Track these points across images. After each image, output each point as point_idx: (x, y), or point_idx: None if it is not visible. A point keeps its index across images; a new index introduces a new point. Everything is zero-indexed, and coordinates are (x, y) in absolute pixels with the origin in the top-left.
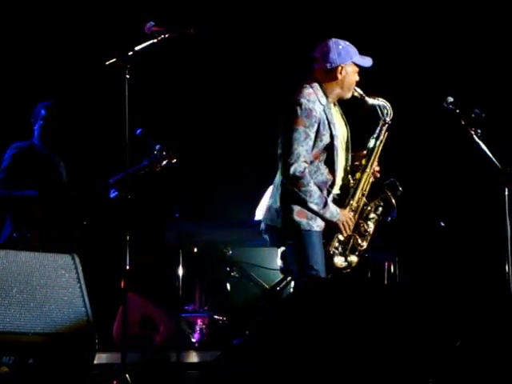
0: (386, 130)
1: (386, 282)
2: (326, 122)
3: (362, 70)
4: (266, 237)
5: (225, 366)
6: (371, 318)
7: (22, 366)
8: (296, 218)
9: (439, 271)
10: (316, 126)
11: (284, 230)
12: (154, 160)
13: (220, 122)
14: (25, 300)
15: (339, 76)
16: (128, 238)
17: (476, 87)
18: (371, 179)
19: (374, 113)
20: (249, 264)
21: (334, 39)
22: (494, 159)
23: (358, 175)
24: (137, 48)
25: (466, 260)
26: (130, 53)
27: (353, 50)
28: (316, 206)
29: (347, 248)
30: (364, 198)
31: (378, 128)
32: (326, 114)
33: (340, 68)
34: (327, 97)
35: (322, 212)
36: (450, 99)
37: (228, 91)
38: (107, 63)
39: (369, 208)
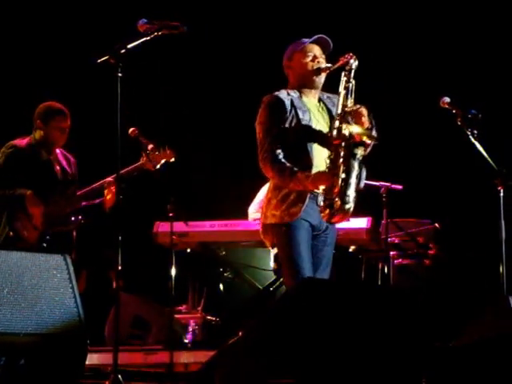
0: (349, 79)
1: (379, 282)
2: (294, 109)
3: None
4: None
5: (218, 366)
6: (365, 319)
7: (13, 366)
8: (272, 212)
9: (434, 272)
10: (279, 112)
11: (265, 227)
12: (150, 160)
13: (213, 120)
14: (16, 300)
15: (291, 72)
16: (120, 238)
17: (473, 88)
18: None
19: None
20: (242, 264)
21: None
22: (489, 160)
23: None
24: (129, 45)
25: (461, 260)
26: (123, 50)
27: (295, 43)
28: (289, 172)
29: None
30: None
31: (342, 79)
32: (293, 102)
33: (287, 65)
34: (300, 92)
35: (299, 174)
36: (447, 99)
37: (225, 88)
38: (99, 61)
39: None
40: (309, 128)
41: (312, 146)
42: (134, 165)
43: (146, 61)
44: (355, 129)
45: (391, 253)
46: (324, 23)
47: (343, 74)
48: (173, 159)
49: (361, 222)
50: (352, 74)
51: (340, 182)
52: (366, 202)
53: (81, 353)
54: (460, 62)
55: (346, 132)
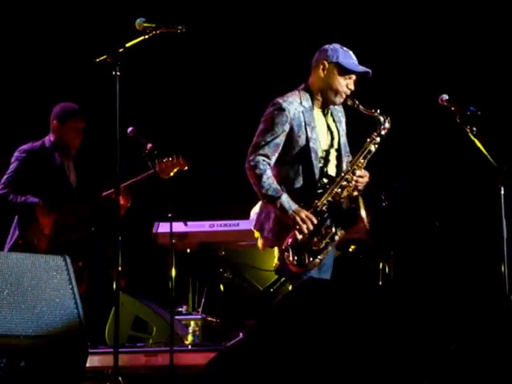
0: (375, 142)
1: (380, 283)
2: (303, 125)
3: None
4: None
5: (219, 368)
6: (366, 320)
7: (13, 368)
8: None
9: (434, 271)
10: (287, 125)
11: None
12: (163, 168)
13: (214, 119)
14: (16, 302)
15: (321, 73)
16: (120, 239)
17: (472, 85)
18: (350, 188)
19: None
20: (242, 265)
21: (332, 45)
22: (489, 157)
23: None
24: (127, 45)
25: (462, 260)
26: (121, 49)
27: (344, 52)
28: (271, 194)
29: (307, 249)
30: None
31: (368, 139)
32: (304, 116)
33: (323, 64)
34: (313, 102)
35: (276, 200)
36: (445, 97)
37: (225, 86)
38: (97, 60)
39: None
40: (315, 147)
41: (317, 164)
42: (146, 173)
43: (144, 60)
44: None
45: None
46: (325, 22)
47: (375, 134)
48: (186, 168)
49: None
50: (379, 140)
51: (324, 244)
52: (367, 202)
53: (81, 354)
54: (459, 59)
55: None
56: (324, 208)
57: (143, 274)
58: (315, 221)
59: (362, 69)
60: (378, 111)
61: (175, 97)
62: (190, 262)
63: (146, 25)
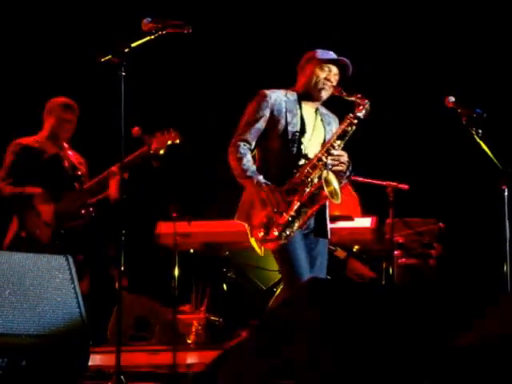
0: (351, 123)
1: (383, 282)
2: (284, 110)
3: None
4: None
5: (221, 367)
6: (367, 319)
7: (14, 368)
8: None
9: (437, 271)
10: (267, 110)
11: None
12: (155, 142)
13: (218, 119)
14: (18, 301)
15: (304, 73)
16: (123, 238)
17: (478, 87)
18: (322, 167)
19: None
20: (245, 265)
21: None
22: (494, 159)
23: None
24: (133, 44)
25: (465, 260)
26: (126, 49)
27: (323, 51)
28: (249, 174)
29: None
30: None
31: (344, 121)
32: (286, 104)
33: (304, 65)
34: (300, 101)
35: (253, 177)
36: (452, 99)
37: (224, 88)
38: (103, 60)
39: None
40: (293, 130)
41: (295, 148)
42: (139, 150)
43: (149, 58)
44: (326, 187)
45: (395, 252)
46: (328, 22)
47: (350, 116)
48: (178, 141)
49: (365, 222)
50: (356, 121)
51: (288, 216)
52: (371, 202)
53: (83, 354)
54: (466, 61)
55: (315, 179)
56: (295, 186)
57: (146, 274)
58: (285, 197)
59: (336, 57)
60: (359, 95)
61: (175, 97)
62: (194, 261)
63: (152, 25)
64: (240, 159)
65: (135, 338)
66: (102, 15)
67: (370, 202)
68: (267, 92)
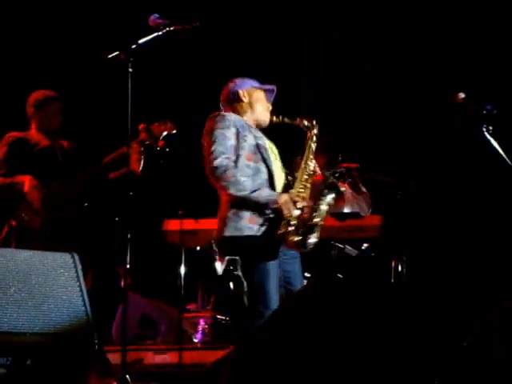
0: (313, 141)
1: (392, 280)
2: (245, 126)
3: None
4: None
5: (224, 367)
6: (377, 317)
7: (19, 366)
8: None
9: (447, 269)
10: (233, 128)
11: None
12: (151, 131)
13: None
14: (23, 299)
15: (244, 99)
16: (129, 236)
17: (488, 83)
18: (311, 173)
19: None
20: None
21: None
22: (504, 156)
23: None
24: (140, 41)
25: (474, 258)
26: (134, 46)
27: (250, 80)
28: (250, 190)
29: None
30: (307, 190)
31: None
32: (243, 121)
33: (241, 92)
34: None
35: (257, 193)
36: (462, 95)
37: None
38: (110, 56)
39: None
40: (262, 143)
41: (270, 159)
42: (136, 140)
43: (156, 55)
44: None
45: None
46: (328, 22)
47: (309, 135)
48: (174, 131)
49: (374, 220)
50: (315, 139)
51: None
52: (380, 199)
53: (88, 352)
54: (476, 58)
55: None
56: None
57: (152, 272)
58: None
59: (272, 86)
60: (300, 119)
61: (180, 95)
62: (200, 259)
63: (159, 21)
64: (235, 175)
65: (141, 338)
66: (108, 12)
67: (377, 199)
68: (222, 113)
